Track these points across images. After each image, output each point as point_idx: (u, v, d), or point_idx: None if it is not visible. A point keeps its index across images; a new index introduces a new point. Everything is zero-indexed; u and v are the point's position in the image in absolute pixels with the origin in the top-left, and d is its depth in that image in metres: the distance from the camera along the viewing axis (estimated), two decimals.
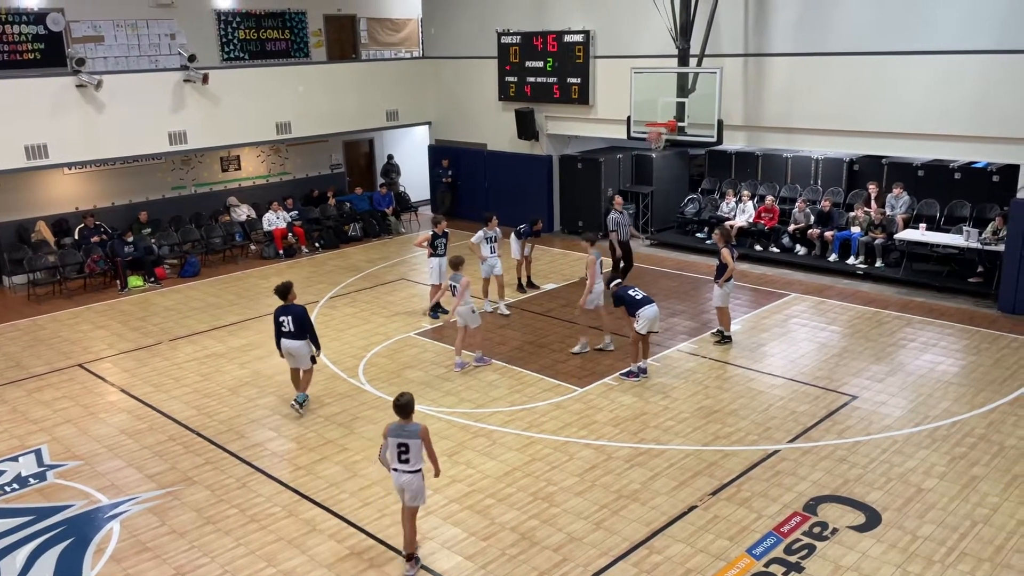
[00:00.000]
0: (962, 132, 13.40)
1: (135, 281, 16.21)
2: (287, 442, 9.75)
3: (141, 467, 9.27)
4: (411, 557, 7.30)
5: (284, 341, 10.14)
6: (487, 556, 7.48)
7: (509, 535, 7.79)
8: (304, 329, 10.09)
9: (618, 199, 15.01)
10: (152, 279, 16.42)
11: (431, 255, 13.46)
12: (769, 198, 17.01)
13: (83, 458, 9.51)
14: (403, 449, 7.06)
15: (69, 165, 16.69)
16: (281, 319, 10.08)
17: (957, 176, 15.43)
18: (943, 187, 15.56)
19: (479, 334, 11.78)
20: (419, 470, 7.13)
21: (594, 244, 12.08)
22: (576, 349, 12.11)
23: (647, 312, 10.83)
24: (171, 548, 7.77)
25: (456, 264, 11.67)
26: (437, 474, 7.48)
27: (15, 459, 9.55)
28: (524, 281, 15.24)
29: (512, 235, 14.80)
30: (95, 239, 16.63)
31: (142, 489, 8.82)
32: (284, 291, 10.18)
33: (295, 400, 10.48)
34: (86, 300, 15.59)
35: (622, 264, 14.71)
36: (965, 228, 14.29)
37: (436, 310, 13.71)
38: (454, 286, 11.47)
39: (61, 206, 17.23)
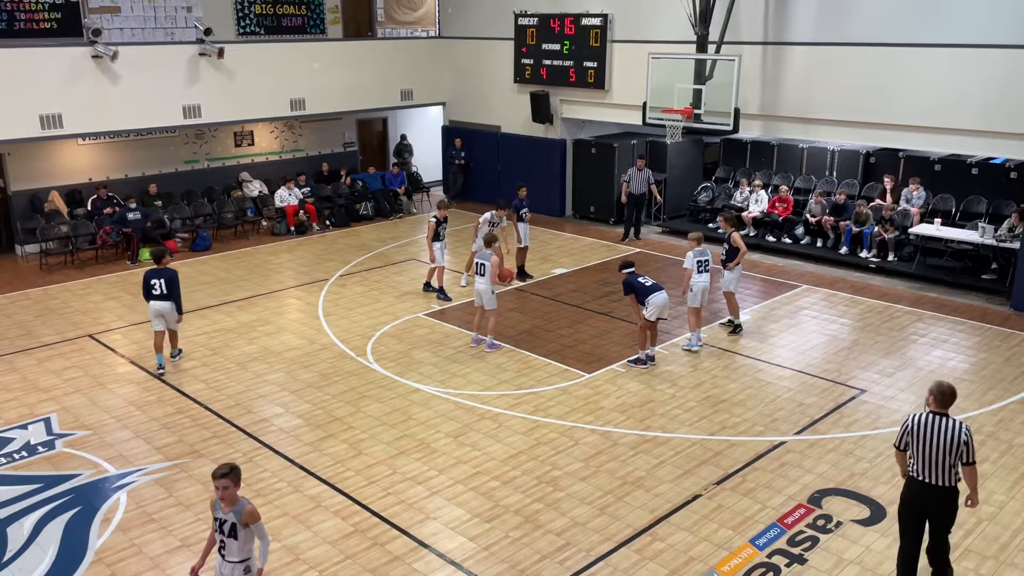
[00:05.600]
0: (980, 127, 13.25)
1: (145, 254, 16.24)
2: (294, 418, 9.79)
3: (149, 439, 9.33)
4: None
5: (154, 303, 10.84)
6: (490, 538, 7.51)
7: (513, 518, 7.81)
8: (173, 291, 10.87)
9: (640, 161, 17.09)
10: None
11: (433, 239, 13.50)
12: (783, 188, 16.90)
13: (92, 428, 9.58)
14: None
15: (83, 136, 16.71)
16: (153, 281, 10.82)
17: (974, 171, 15.29)
18: (959, 182, 15.41)
19: (493, 317, 11.76)
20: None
21: (700, 243, 11.58)
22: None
23: (656, 299, 10.80)
24: (177, 520, 7.82)
25: (489, 242, 11.91)
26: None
27: (24, 427, 9.62)
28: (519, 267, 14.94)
29: (517, 221, 14.62)
30: (108, 210, 16.67)
31: (150, 460, 8.88)
32: (159, 256, 11.00)
33: (172, 355, 11.37)
34: (97, 271, 15.64)
35: (634, 215, 17.29)
36: (980, 224, 14.17)
37: (443, 292, 13.80)
38: (484, 264, 11.53)
39: (75, 177, 17.25)
